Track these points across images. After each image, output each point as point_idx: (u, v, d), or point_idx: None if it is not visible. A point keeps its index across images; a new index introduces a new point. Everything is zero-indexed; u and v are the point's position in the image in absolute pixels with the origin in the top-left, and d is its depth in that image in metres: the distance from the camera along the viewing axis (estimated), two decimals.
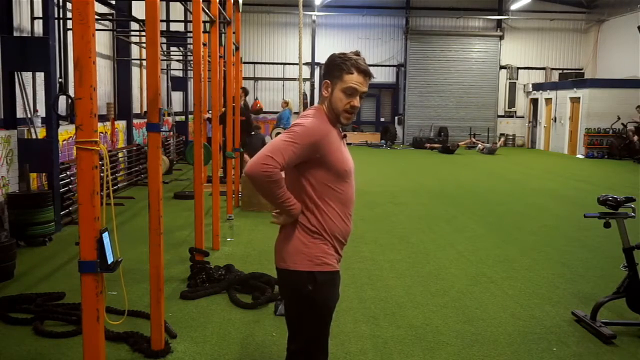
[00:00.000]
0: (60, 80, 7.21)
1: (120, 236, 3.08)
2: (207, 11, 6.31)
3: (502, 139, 24.09)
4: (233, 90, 8.79)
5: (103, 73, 11.08)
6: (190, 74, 15.29)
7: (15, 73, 6.89)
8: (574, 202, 10.32)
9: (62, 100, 7.62)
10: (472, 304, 4.83)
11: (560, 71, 24.06)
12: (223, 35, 9.99)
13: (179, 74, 16.90)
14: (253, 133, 10.58)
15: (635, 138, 18.66)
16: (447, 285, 5.32)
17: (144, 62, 12.13)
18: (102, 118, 10.56)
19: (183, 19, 16.13)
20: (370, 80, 2.53)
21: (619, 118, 19.20)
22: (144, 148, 11.73)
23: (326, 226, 2.48)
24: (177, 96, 17.26)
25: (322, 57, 23.54)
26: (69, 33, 7.58)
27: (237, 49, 9.30)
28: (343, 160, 2.49)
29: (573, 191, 11.72)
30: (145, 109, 10.95)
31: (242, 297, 4.82)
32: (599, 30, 23.45)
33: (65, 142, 8.48)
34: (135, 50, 12.60)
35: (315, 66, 24.07)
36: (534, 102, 24.25)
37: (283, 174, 2.40)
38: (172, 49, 14.47)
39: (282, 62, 24.03)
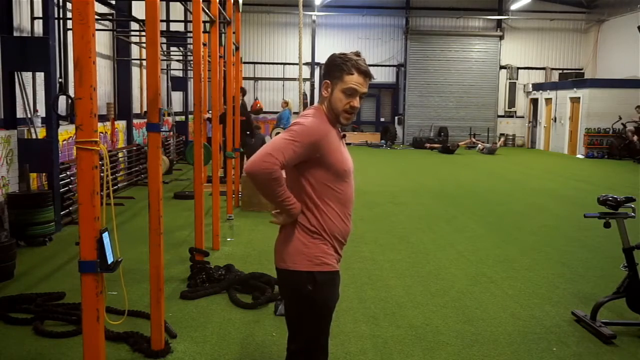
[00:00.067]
0: (60, 80, 7.21)
1: (120, 236, 3.09)
2: (207, 11, 6.31)
3: (502, 139, 24.09)
4: (233, 90, 8.80)
5: (103, 73, 11.08)
6: (190, 74, 15.30)
7: (15, 73, 6.89)
8: (574, 202, 10.33)
9: (62, 100, 7.62)
10: (472, 304, 4.83)
11: (560, 71, 24.06)
12: (223, 35, 9.99)
13: (179, 74, 16.90)
14: (248, 133, 10.59)
15: (635, 138, 18.66)
16: (447, 285, 5.32)
17: (144, 62, 12.14)
18: (102, 118, 10.56)
19: (183, 19, 16.14)
20: (370, 81, 2.53)
21: (620, 118, 19.20)
22: (144, 148, 11.73)
23: (326, 226, 2.48)
24: (177, 96, 17.26)
25: (322, 57, 23.55)
26: (69, 33, 7.58)
27: (237, 49, 9.30)
28: (342, 160, 2.50)
29: (573, 191, 11.72)
30: (145, 109, 10.95)
31: (242, 297, 4.82)
32: (599, 30, 23.45)
33: (65, 142, 8.49)
34: (135, 50, 12.60)
35: (315, 66, 24.07)
36: (534, 102, 24.25)
37: (283, 173, 2.40)
38: (172, 49, 14.47)
39: (282, 62, 24.03)
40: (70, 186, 7.76)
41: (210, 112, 8.47)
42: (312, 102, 23.08)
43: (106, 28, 10.87)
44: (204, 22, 6.31)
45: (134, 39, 11.69)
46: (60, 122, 7.54)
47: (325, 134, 2.43)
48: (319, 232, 2.47)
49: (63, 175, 7.56)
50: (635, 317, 4.40)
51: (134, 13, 11.45)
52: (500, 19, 24.39)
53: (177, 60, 15.86)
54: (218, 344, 3.94)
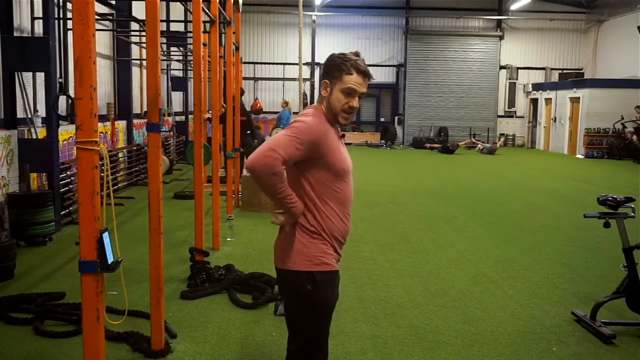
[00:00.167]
0: (60, 80, 7.20)
1: (120, 236, 3.09)
2: (207, 11, 6.31)
3: (502, 139, 24.10)
4: (233, 90, 8.80)
5: (103, 73, 11.09)
6: (190, 74, 15.30)
7: (16, 73, 6.89)
8: (574, 202, 10.33)
9: (62, 100, 7.61)
10: (472, 304, 4.83)
11: (560, 71, 24.07)
12: (223, 35, 9.99)
13: (179, 74, 16.90)
14: (249, 133, 10.59)
15: (634, 138, 18.66)
16: (447, 285, 5.32)
17: (144, 62, 12.14)
18: (102, 118, 10.56)
19: (183, 19, 16.14)
20: (369, 81, 2.53)
21: (622, 118, 19.20)
22: (144, 148, 11.73)
23: (325, 226, 2.48)
24: (177, 96, 17.26)
25: (322, 57, 23.52)
26: (69, 33, 7.58)
27: (237, 49, 9.30)
28: (342, 159, 2.50)
29: (573, 191, 11.72)
30: (145, 109, 10.95)
31: (242, 297, 4.82)
32: (599, 30, 23.45)
33: (65, 142, 8.49)
34: (135, 50, 12.60)
35: (315, 66, 24.07)
36: (534, 102, 24.26)
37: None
38: (172, 49, 14.47)
39: (282, 62, 24.03)
40: (70, 186, 7.76)
41: (210, 112, 8.47)
42: (312, 102, 23.07)
43: (106, 28, 10.87)
44: (204, 22, 6.31)
45: (134, 39, 11.69)
46: (61, 122, 7.54)
47: (324, 133, 2.43)
48: (318, 232, 2.47)
49: (63, 175, 7.56)
50: (635, 317, 4.40)
51: (134, 13, 11.45)
52: (500, 19, 24.39)
53: (177, 60, 15.86)
54: (218, 344, 3.94)
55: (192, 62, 11.65)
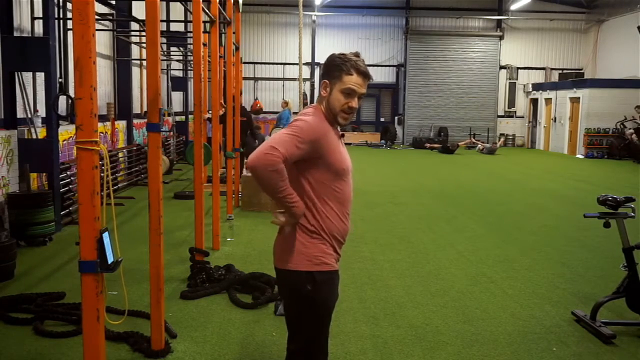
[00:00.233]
0: (60, 80, 7.21)
1: (120, 236, 3.09)
2: (207, 11, 6.31)
3: (502, 139, 24.10)
4: (233, 90, 8.80)
5: (103, 73, 11.09)
6: (190, 74, 15.30)
7: (16, 73, 6.89)
8: (574, 202, 10.33)
9: (62, 100, 7.61)
10: (472, 304, 4.83)
11: (560, 71, 24.07)
12: (223, 35, 9.99)
13: (179, 74, 16.90)
14: (249, 133, 10.58)
15: (634, 137, 18.65)
16: (447, 285, 5.32)
17: (144, 62, 12.14)
18: (102, 118, 10.56)
19: (183, 19, 16.14)
20: (369, 82, 2.53)
21: (625, 118, 19.20)
22: (144, 148, 11.73)
23: (324, 226, 2.48)
24: (177, 96, 17.26)
25: (322, 57, 23.52)
26: (69, 33, 7.58)
27: (237, 49, 9.30)
28: (341, 159, 2.50)
29: (573, 191, 11.72)
30: (145, 109, 10.96)
31: (242, 297, 4.82)
32: (599, 30, 23.45)
33: (65, 142, 8.49)
34: (135, 50, 12.60)
35: (315, 66, 24.07)
36: (534, 102, 24.26)
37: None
38: (172, 49, 14.47)
39: (282, 62, 24.03)
40: (70, 186, 7.76)
41: (210, 112, 8.47)
42: (312, 102, 23.07)
43: (106, 28, 10.87)
44: (204, 22, 6.31)
45: (134, 39, 11.69)
46: (61, 122, 7.54)
47: (325, 132, 2.43)
48: (317, 231, 2.47)
49: (63, 175, 7.56)
50: (635, 317, 4.40)
51: (134, 13, 11.45)
52: (500, 19, 24.39)
53: (177, 60, 15.86)
54: (218, 344, 3.94)
55: (192, 62, 11.65)
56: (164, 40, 12.49)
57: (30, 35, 7.38)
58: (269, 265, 5.35)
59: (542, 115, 23.41)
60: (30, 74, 7.27)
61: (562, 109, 21.52)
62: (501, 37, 24.61)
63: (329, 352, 2.60)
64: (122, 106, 11.89)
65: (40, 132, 7.34)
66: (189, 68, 15.30)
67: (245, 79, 21.24)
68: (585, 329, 4.31)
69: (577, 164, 17.83)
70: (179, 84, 16.33)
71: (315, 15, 23.79)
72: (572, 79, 21.55)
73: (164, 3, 12.29)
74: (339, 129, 2.58)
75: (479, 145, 21.72)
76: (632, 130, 18.79)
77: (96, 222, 2.56)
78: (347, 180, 2.54)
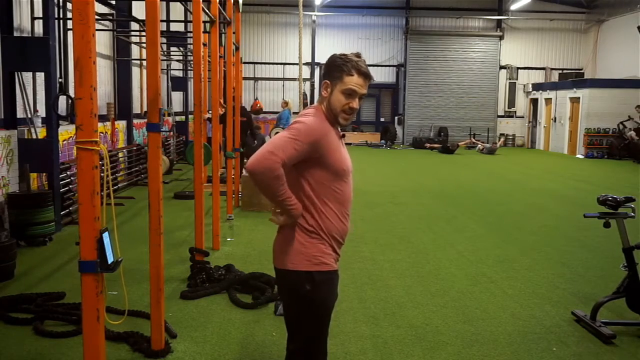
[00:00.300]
0: (60, 80, 7.21)
1: (120, 236, 3.09)
2: (207, 11, 6.31)
3: (502, 139, 24.10)
4: (233, 92, 8.79)
5: (103, 73, 11.09)
6: (190, 74, 15.30)
7: (16, 73, 6.89)
8: (574, 202, 10.33)
9: (62, 100, 7.62)
10: (472, 304, 4.83)
11: (560, 71, 24.06)
12: (223, 35, 9.99)
13: (179, 74, 16.90)
14: (249, 133, 10.57)
15: (634, 135, 18.64)
16: (447, 285, 5.32)
17: (144, 62, 12.14)
18: (102, 118, 10.56)
19: (183, 19, 16.14)
20: (370, 83, 2.53)
21: (629, 118, 19.19)
22: (144, 148, 11.73)
23: (324, 226, 2.48)
24: (177, 96, 17.26)
25: (322, 57, 23.55)
26: (69, 33, 7.58)
27: (237, 49, 9.30)
28: (342, 159, 2.50)
29: (573, 191, 11.72)
30: (145, 109, 10.96)
31: (242, 297, 4.82)
32: (599, 30, 23.45)
33: (65, 142, 8.49)
34: (135, 50, 12.60)
35: (315, 66, 24.07)
36: (534, 102, 24.25)
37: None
38: (172, 49, 14.47)
39: (282, 62, 24.03)
40: (70, 186, 7.76)
41: (210, 112, 8.47)
42: (312, 102, 23.06)
43: (106, 28, 10.87)
44: (204, 22, 6.31)
45: (134, 39, 11.69)
46: (61, 122, 7.54)
47: (325, 133, 2.43)
48: (317, 231, 2.47)
49: (63, 175, 7.56)
50: (635, 317, 4.40)
51: (134, 13, 11.45)
52: (500, 19, 24.39)
53: (177, 60, 15.86)
54: (218, 344, 3.94)
55: (192, 62, 11.65)
56: (164, 40, 12.49)
57: (30, 35, 7.38)
58: (269, 265, 5.34)
59: (542, 115, 23.41)
60: (30, 74, 7.27)
61: (562, 109, 21.52)
62: (501, 37, 24.61)
63: (328, 352, 2.61)
64: (122, 106, 11.89)
65: (40, 132, 7.34)
66: (189, 68, 15.30)
67: (245, 79, 21.23)
68: (585, 329, 4.31)
69: (577, 164, 17.84)
70: (179, 84, 16.33)
71: (315, 15, 23.78)
72: (572, 79, 21.55)
73: (164, 3, 12.29)
74: (339, 129, 2.58)
75: (479, 145, 21.72)
76: (633, 132, 18.77)
77: (96, 222, 2.56)
78: (347, 181, 2.54)
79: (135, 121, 12.43)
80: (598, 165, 17.23)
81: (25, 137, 7.05)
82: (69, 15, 7.94)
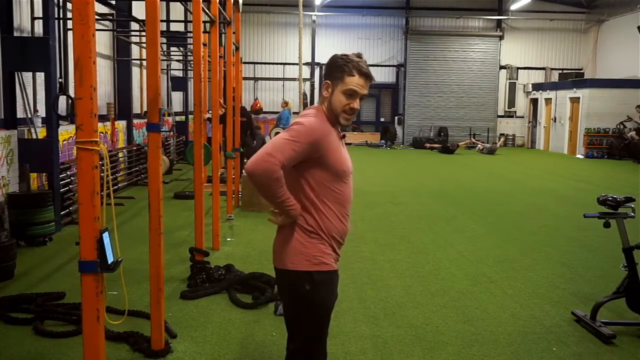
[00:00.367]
0: (60, 80, 7.21)
1: (120, 236, 3.09)
2: (207, 11, 6.31)
3: (502, 139, 24.10)
4: (233, 92, 8.79)
5: (103, 73, 11.09)
6: (190, 74, 15.30)
7: (16, 73, 6.89)
8: (574, 202, 10.33)
9: (62, 100, 7.62)
10: (472, 304, 4.83)
11: (560, 71, 24.06)
12: (223, 35, 9.99)
13: (179, 74, 16.90)
14: (249, 133, 10.57)
15: (634, 134, 18.63)
16: (447, 285, 5.32)
17: (144, 62, 12.14)
18: (102, 118, 10.56)
19: (183, 19, 16.14)
20: (371, 83, 2.53)
21: (629, 118, 19.19)
22: (144, 148, 11.73)
23: (323, 226, 2.48)
24: (177, 96, 17.26)
25: (322, 57, 23.56)
26: (69, 33, 7.58)
27: (237, 49, 9.30)
28: (342, 160, 2.50)
29: (573, 191, 11.72)
30: (145, 109, 10.95)
31: (242, 297, 4.82)
32: (599, 30, 23.45)
33: (65, 142, 8.49)
34: (135, 50, 12.60)
35: (315, 66, 24.07)
36: (534, 102, 24.25)
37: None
38: (172, 49, 14.47)
39: (282, 62, 24.02)
40: (70, 186, 7.76)
41: (210, 112, 8.47)
42: (312, 102, 23.07)
43: (106, 28, 10.87)
44: (204, 22, 6.31)
45: (134, 39, 11.69)
46: (61, 122, 7.54)
47: (325, 133, 2.43)
48: (316, 232, 2.47)
49: (63, 175, 7.56)
50: (635, 317, 4.40)
51: (134, 13, 11.45)
52: (500, 19, 24.39)
53: (177, 60, 15.86)
54: (218, 344, 3.94)
55: (192, 62, 11.65)
56: (164, 40, 12.49)
57: (30, 35, 7.38)
58: (269, 265, 5.34)
59: (542, 115, 23.41)
60: (30, 74, 7.27)
61: (562, 109, 21.52)
62: (501, 37, 24.61)
63: (328, 352, 2.61)
64: (122, 106, 11.89)
65: (40, 132, 7.34)
66: (189, 68, 15.30)
67: (245, 79, 21.23)
68: (585, 329, 4.31)
69: (577, 164, 17.83)
70: (179, 84, 16.33)
71: (315, 15, 23.78)
72: (572, 79, 21.55)
73: (164, 3, 12.29)
74: (340, 129, 2.58)
75: (479, 145, 21.72)
76: (633, 132, 18.76)
77: (96, 222, 2.56)
78: (347, 182, 2.54)
79: (135, 121, 12.43)
80: (598, 165, 17.23)
81: (25, 137, 7.05)
82: (69, 15, 7.94)
